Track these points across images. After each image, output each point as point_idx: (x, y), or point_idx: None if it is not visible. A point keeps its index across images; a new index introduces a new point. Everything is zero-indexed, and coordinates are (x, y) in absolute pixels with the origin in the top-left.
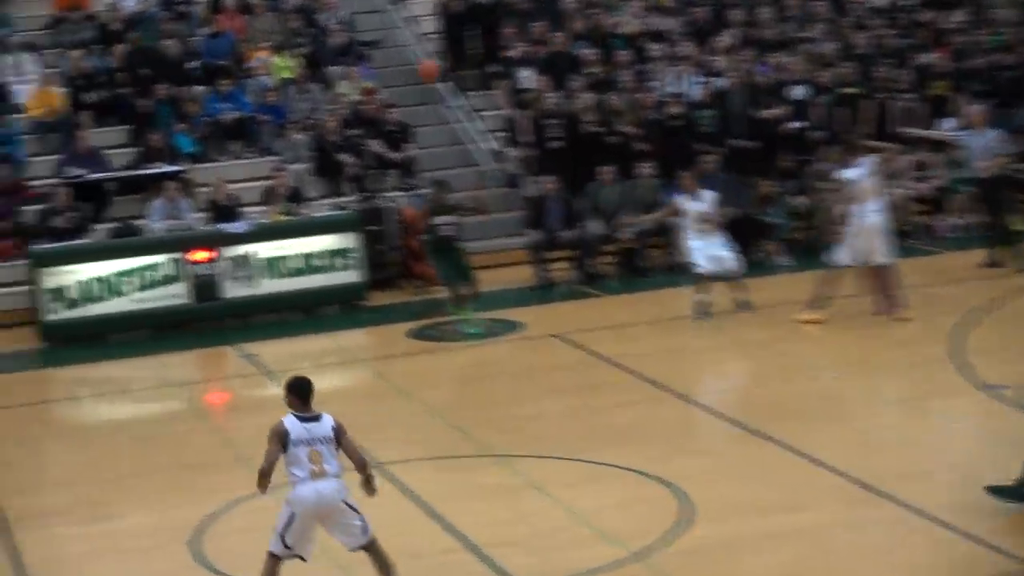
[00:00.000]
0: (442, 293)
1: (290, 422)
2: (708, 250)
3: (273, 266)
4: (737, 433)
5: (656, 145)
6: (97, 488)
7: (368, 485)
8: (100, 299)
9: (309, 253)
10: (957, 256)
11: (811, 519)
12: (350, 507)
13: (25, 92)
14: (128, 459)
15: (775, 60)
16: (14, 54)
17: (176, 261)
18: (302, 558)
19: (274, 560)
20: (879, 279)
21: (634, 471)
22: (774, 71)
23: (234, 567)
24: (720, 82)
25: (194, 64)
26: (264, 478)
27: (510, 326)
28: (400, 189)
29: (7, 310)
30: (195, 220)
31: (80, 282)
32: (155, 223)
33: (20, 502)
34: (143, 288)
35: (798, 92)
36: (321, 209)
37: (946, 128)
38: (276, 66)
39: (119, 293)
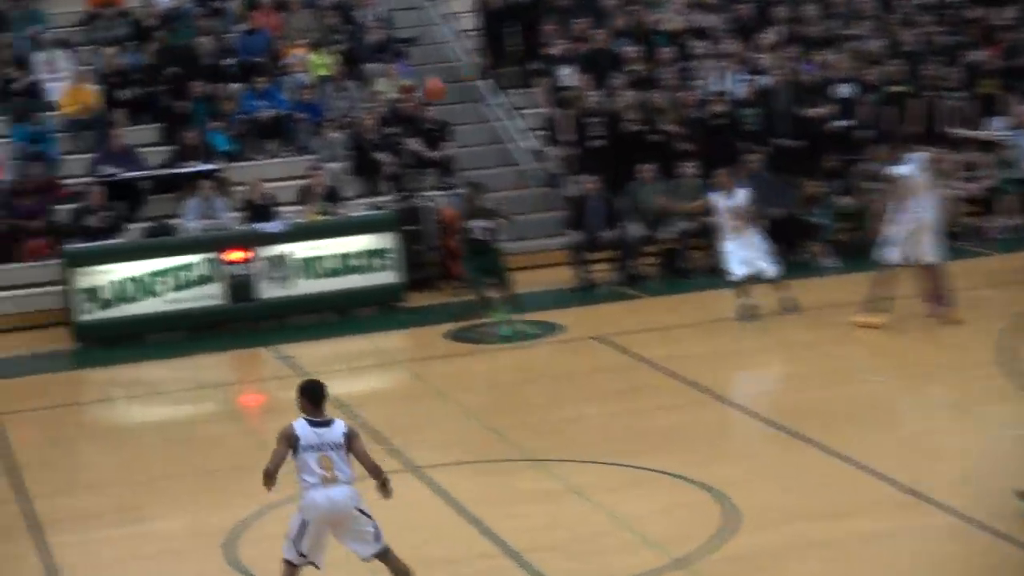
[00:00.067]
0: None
1: (300, 426)
2: (742, 253)
3: (309, 266)
4: (782, 438)
5: (699, 144)
6: (130, 491)
7: (384, 488)
8: (134, 299)
9: (346, 253)
10: (1006, 258)
11: (858, 526)
12: (363, 513)
13: (59, 89)
14: (162, 461)
15: (821, 58)
16: (48, 51)
17: (211, 261)
18: (315, 565)
19: (291, 568)
20: (929, 280)
21: (676, 476)
22: (820, 69)
23: (269, 572)
24: (764, 80)
25: (230, 61)
26: (269, 478)
27: (550, 328)
28: (438, 188)
29: (40, 310)
30: (230, 219)
31: (114, 282)
32: (190, 222)
33: (53, 504)
34: (177, 288)
35: (844, 90)
36: (358, 209)
37: (995, 127)
38: (313, 63)
39: (153, 293)
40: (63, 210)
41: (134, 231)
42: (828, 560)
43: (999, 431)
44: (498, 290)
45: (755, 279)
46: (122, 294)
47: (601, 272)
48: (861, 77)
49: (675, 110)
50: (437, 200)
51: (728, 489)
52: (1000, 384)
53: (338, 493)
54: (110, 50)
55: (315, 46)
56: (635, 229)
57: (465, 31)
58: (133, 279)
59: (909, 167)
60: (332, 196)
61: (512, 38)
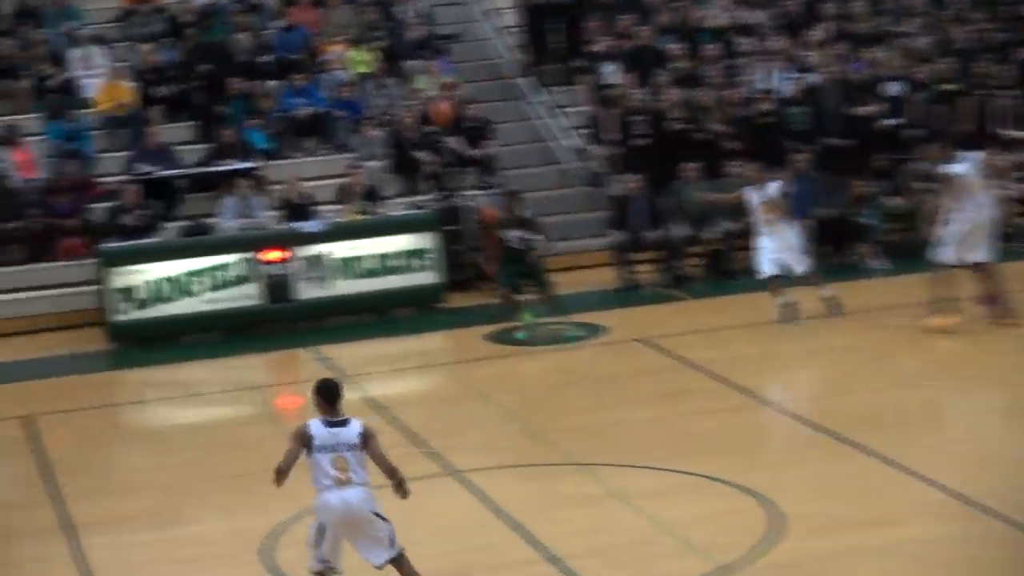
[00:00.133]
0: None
1: (315, 425)
2: (773, 250)
3: (348, 266)
4: (829, 443)
5: (745, 143)
6: (165, 493)
7: (400, 489)
8: (170, 299)
9: (385, 253)
10: None
11: (907, 534)
12: (378, 517)
13: (94, 86)
14: (197, 464)
15: (870, 55)
16: (83, 47)
17: (248, 261)
18: (335, 570)
19: None
20: (984, 282)
21: (721, 481)
22: (869, 67)
23: None
24: (812, 78)
25: (267, 58)
26: (280, 475)
27: (592, 330)
28: (479, 187)
29: (75, 310)
30: (268, 219)
31: (149, 282)
32: (227, 222)
33: (88, 507)
34: (214, 288)
35: (894, 88)
36: (397, 208)
37: None
38: (352, 60)
39: (189, 293)
40: (98, 209)
41: (170, 230)
42: (877, 568)
43: None
44: (537, 294)
45: (785, 276)
46: (158, 294)
47: (645, 273)
48: (911, 75)
49: (720, 108)
50: (478, 199)
51: (774, 494)
52: None
53: (352, 495)
54: (146, 46)
55: (354, 42)
56: (679, 229)
57: (507, 27)
58: (169, 279)
59: (964, 166)
60: (371, 195)
61: (555, 35)
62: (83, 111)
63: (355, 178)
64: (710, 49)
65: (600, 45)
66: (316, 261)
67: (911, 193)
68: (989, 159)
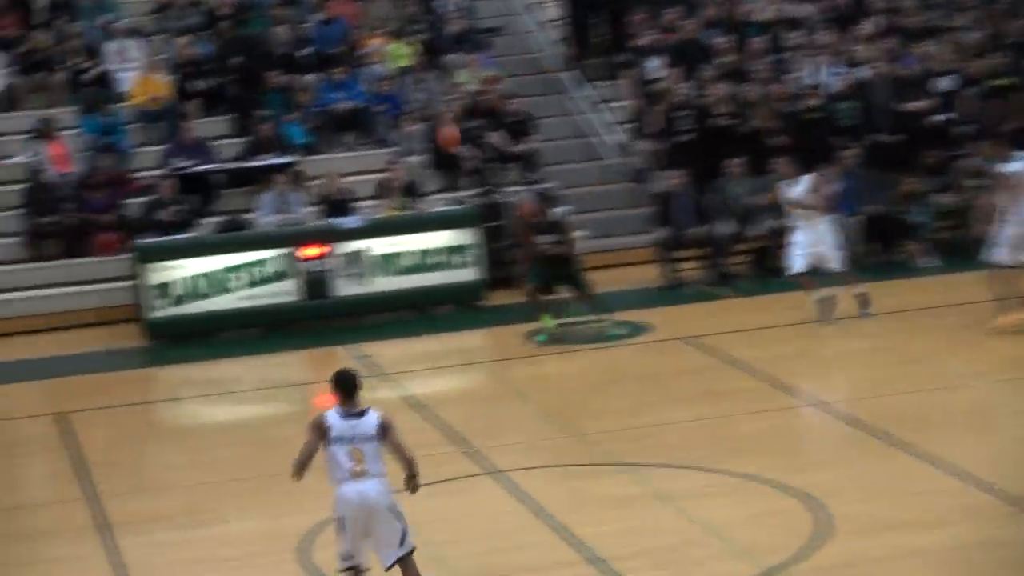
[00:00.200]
0: (565, 294)
1: (333, 417)
2: (806, 245)
3: (387, 263)
4: (875, 443)
5: (792, 139)
6: (201, 492)
7: (411, 482)
8: (206, 296)
9: (425, 250)
10: None
11: (955, 536)
12: (394, 512)
13: (130, 80)
14: (234, 462)
15: (920, 50)
16: (119, 40)
17: (286, 257)
18: (360, 566)
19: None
20: None
21: (765, 482)
22: (919, 61)
23: None
24: (861, 73)
25: (306, 51)
26: (300, 468)
27: (636, 329)
28: (521, 183)
29: (111, 306)
30: (306, 214)
31: (186, 278)
32: (264, 217)
33: (122, 505)
34: (251, 285)
35: (945, 84)
36: (438, 204)
37: None
38: (392, 54)
39: (226, 290)
40: (134, 204)
41: (207, 226)
42: (924, 570)
43: None
44: (569, 296)
45: (818, 272)
46: (194, 290)
47: (689, 270)
48: (962, 70)
49: (767, 104)
50: (520, 195)
51: (819, 496)
52: None
53: (369, 487)
54: (182, 40)
55: (394, 36)
56: (724, 226)
57: (550, 21)
58: (206, 275)
59: (1020, 164)
60: (411, 191)
61: (598, 28)
62: (119, 105)
63: (394, 173)
64: (757, 43)
65: (645, 39)
66: (355, 257)
67: (962, 190)
68: None
